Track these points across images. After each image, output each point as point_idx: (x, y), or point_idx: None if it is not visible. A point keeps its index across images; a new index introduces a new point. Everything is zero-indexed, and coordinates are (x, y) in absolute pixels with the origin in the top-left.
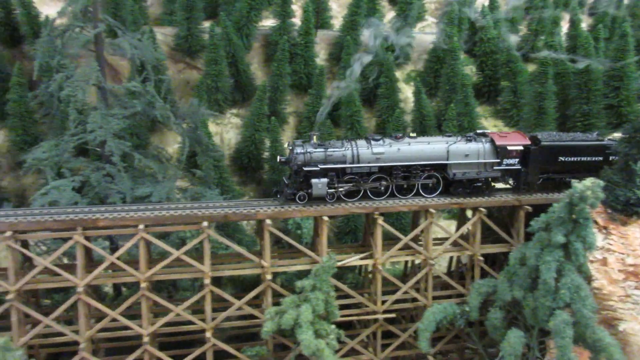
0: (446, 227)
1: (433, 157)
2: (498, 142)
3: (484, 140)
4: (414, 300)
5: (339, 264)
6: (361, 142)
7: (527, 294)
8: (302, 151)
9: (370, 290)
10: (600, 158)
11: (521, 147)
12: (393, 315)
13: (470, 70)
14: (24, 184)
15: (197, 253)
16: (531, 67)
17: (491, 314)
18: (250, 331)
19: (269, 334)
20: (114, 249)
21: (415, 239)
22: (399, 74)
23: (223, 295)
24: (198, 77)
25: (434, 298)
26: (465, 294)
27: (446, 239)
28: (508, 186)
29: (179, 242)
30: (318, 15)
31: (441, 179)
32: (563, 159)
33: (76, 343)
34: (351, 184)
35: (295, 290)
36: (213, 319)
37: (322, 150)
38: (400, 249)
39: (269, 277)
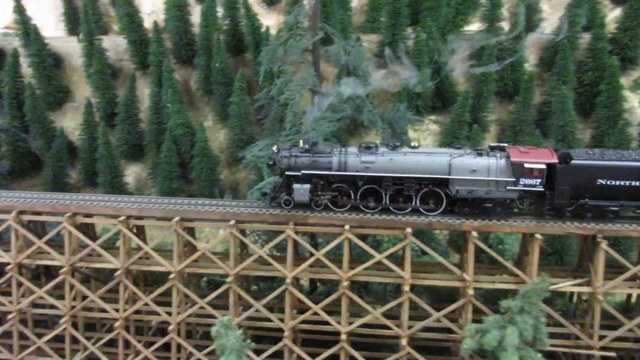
0: None
1: (431, 170)
2: (513, 158)
3: (498, 155)
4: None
5: (552, 287)
6: (351, 150)
7: None
8: (287, 155)
9: (585, 322)
10: None
11: (543, 166)
12: (612, 354)
13: None
14: (237, 178)
15: (388, 258)
16: None
17: None
18: (440, 345)
19: (467, 352)
20: (313, 246)
21: None
22: (624, 81)
23: (421, 304)
24: (398, 83)
25: None
26: None
27: None
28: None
29: (375, 245)
30: (529, 18)
31: (444, 196)
32: (603, 183)
33: (275, 329)
34: (336, 193)
35: (498, 309)
36: (409, 327)
37: (308, 155)
38: (625, 280)
39: (470, 292)
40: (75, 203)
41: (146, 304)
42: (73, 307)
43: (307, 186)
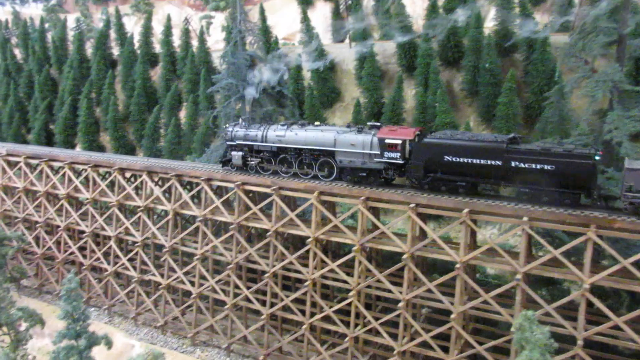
0: None
1: (321, 143)
2: (378, 135)
3: (373, 132)
4: None
5: None
6: (274, 126)
7: None
8: (230, 130)
9: None
10: (499, 162)
11: (399, 141)
12: None
13: None
14: None
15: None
16: None
17: None
18: None
19: None
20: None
21: None
22: None
23: None
24: None
25: None
26: None
27: None
28: None
29: None
30: None
31: (335, 165)
32: (449, 159)
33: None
34: (259, 160)
35: None
36: None
37: (244, 129)
38: None
39: None
40: (369, 190)
41: (429, 290)
42: (358, 284)
43: (240, 153)
